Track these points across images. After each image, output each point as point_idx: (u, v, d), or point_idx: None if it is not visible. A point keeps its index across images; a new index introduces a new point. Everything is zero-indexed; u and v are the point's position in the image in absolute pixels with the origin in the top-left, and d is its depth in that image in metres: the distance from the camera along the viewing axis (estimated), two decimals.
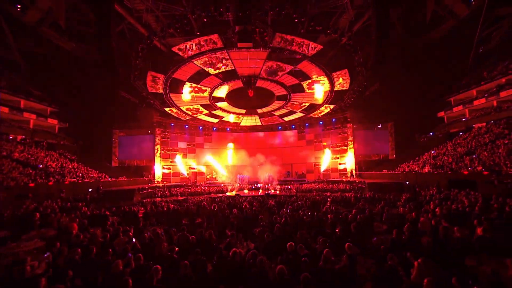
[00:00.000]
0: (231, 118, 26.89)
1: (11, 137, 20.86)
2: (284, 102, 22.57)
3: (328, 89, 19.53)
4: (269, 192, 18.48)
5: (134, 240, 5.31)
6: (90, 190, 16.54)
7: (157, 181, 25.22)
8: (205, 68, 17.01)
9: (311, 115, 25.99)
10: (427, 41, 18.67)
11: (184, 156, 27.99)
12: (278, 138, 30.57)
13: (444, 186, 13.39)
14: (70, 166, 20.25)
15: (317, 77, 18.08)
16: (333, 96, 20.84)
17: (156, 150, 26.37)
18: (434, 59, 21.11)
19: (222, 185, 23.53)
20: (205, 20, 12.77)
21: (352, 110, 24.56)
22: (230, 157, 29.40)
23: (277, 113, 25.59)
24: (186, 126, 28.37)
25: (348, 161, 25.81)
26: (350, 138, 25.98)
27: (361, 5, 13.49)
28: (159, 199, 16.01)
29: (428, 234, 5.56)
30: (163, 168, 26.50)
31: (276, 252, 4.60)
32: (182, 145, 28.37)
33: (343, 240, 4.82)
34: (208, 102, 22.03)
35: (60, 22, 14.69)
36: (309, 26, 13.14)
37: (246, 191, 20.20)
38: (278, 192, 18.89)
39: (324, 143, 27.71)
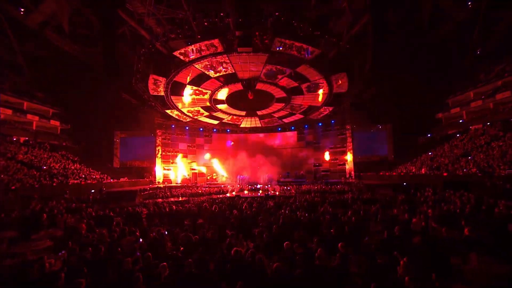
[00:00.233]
0: (230, 119, 27.18)
1: (14, 139, 21.17)
2: (284, 104, 22.86)
3: (326, 91, 19.83)
4: (269, 193, 18.67)
5: (141, 240, 5.59)
6: (93, 191, 16.82)
7: (158, 182, 25.52)
8: (206, 72, 17.31)
9: (310, 116, 26.28)
10: (426, 44, 18.97)
11: (185, 157, 28.31)
12: (278, 139, 30.86)
13: (439, 187, 13.66)
14: (73, 167, 20.54)
15: (316, 80, 18.38)
16: (331, 99, 21.13)
17: (157, 152, 26.69)
18: (432, 61, 21.41)
19: (222, 186, 23.80)
20: (206, 24, 13.06)
21: (351, 112, 24.85)
22: (230, 157, 29.70)
23: (276, 115, 25.87)
24: (187, 128, 28.71)
25: (347, 163, 26.09)
26: (349, 140, 26.27)
27: (360, 9, 13.75)
28: (160, 200, 16.26)
29: (419, 234, 5.85)
30: (164, 169, 26.80)
31: (274, 251, 4.89)
32: (182, 146, 28.70)
33: (338, 240, 5.11)
34: (209, 104, 22.32)
35: (63, 25, 14.99)
36: (307, 31, 13.42)
37: (246, 191, 20.38)
38: (277, 193, 18.99)
39: (324, 145, 28.02)
